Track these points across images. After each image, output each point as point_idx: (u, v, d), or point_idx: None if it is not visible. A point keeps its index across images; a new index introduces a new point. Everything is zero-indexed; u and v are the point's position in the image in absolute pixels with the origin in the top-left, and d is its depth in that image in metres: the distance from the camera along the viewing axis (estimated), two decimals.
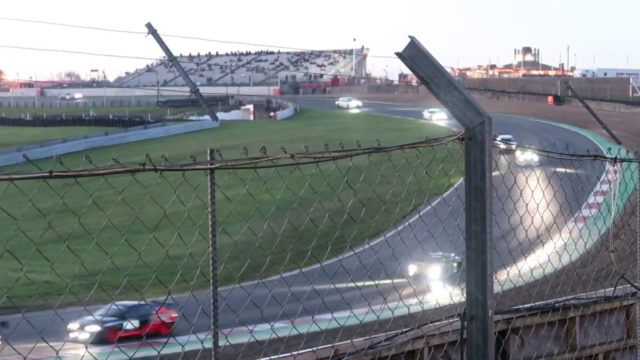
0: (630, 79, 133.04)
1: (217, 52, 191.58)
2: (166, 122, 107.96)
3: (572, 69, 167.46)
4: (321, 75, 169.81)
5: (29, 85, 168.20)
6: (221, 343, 4.76)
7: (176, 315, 26.87)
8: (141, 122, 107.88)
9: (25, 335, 5.74)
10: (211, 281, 4.65)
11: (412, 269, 32.75)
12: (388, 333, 6.07)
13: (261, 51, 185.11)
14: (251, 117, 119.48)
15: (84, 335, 26.47)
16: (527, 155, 43.59)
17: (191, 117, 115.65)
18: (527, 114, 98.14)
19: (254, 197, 5.32)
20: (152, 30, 5.28)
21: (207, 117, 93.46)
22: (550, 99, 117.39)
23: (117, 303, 25.58)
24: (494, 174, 5.09)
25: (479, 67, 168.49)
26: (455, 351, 6.25)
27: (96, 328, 27.07)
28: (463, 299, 5.08)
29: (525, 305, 7.15)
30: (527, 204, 7.57)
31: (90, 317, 25.16)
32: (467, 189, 4.99)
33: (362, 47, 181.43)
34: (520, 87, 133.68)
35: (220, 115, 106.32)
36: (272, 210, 5.77)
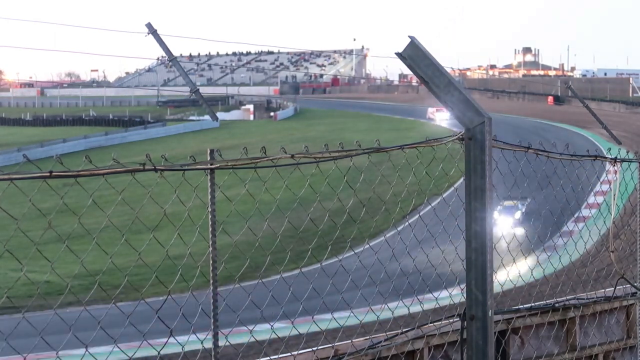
0: (630, 79, 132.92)
1: (217, 52, 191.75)
2: (166, 122, 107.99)
3: (572, 69, 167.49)
4: (321, 75, 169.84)
5: (29, 85, 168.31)
6: (221, 343, 4.75)
7: None
8: (141, 122, 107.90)
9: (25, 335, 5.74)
10: (211, 281, 4.65)
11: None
12: (388, 333, 6.07)
13: (261, 51, 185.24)
14: (251, 117, 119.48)
15: None
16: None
17: (191, 117, 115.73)
18: (527, 114, 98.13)
19: (254, 197, 5.32)
20: (152, 30, 5.27)
21: (207, 117, 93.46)
22: (550, 99, 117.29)
23: None
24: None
25: (479, 67, 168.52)
26: (455, 351, 6.26)
27: None
28: (463, 299, 5.07)
29: (525, 305, 7.15)
30: (527, 205, 7.56)
31: None
32: (467, 189, 4.99)
33: (362, 47, 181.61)
34: (520, 87, 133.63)
35: (220, 115, 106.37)
36: (272, 210, 5.76)
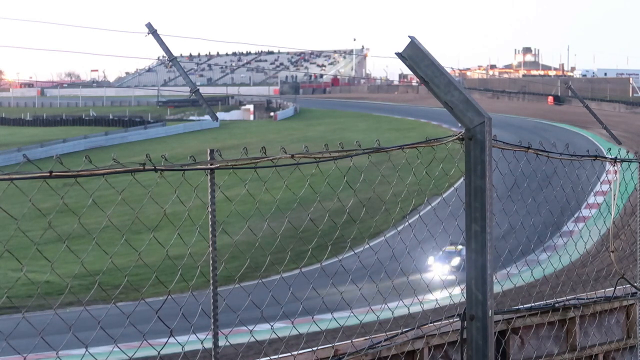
0: (630, 79, 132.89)
1: (217, 52, 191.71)
2: (166, 122, 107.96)
3: (572, 69, 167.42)
4: (321, 76, 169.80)
5: (29, 85, 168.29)
6: (221, 343, 4.75)
7: None
8: (141, 122, 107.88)
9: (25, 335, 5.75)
10: (211, 281, 4.65)
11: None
12: (388, 333, 6.07)
13: (261, 51, 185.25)
14: (251, 117, 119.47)
15: None
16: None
17: (191, 117, 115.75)
18: (527, 114, 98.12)
19: (254, 197, 5.32)
20: (152, 30, 5.27)
21: (207, 117, 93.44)
22: (550, 99, 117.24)
23: None
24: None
25: (479, 67, 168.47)
26: (455, 351, 6.26)
27: None
28: (463, 299, 5.08)
29: (525, 305, 7.15)
30: (526, 204, 7.57)
31: None
32: (467, 189, 4.99)
33: (362, 47, 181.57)
34: (521, 87, 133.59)
35: (220, 115, 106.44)
36: (272, 210, 5.77)
